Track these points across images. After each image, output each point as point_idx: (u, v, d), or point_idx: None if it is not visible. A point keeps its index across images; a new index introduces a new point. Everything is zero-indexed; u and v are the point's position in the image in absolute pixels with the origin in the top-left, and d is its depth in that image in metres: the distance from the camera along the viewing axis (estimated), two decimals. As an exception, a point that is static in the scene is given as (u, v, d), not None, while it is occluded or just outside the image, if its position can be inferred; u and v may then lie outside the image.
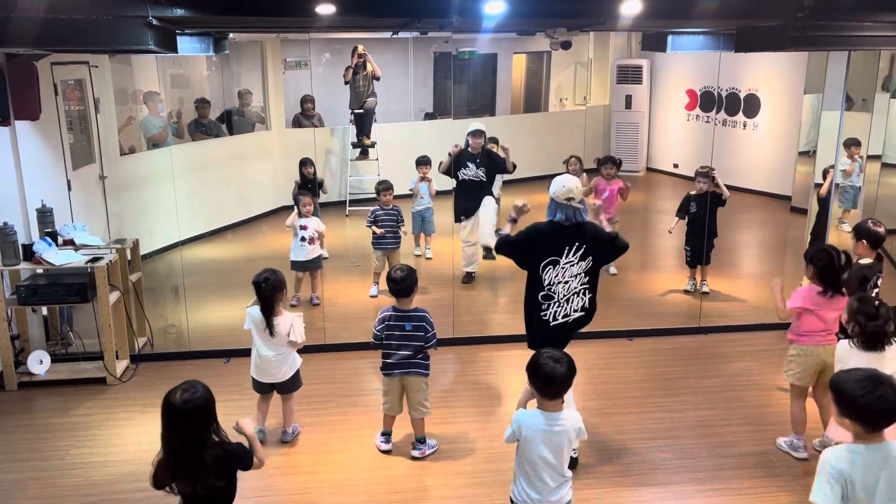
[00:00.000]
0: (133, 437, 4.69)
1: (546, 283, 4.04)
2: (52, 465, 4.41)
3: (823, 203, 6.45)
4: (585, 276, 4.07)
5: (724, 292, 7.09)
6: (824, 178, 6.45)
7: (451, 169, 7.22)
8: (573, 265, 4.03)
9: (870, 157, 6.27)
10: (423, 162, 7.76)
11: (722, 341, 6.11)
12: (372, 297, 7.01)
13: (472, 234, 7.37)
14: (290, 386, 4.55)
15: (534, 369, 3.07)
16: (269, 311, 4.35)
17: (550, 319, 4.08)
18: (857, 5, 4.88)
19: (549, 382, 3.03)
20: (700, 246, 6.85)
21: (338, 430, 4.74)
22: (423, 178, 7.69)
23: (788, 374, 4.43)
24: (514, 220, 4.23)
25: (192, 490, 2.85)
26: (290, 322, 4.40)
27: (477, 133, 7.19)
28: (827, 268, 4.28)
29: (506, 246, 4.09)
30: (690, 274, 7.06)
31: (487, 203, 7.32)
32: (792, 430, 4.45)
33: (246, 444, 3.05)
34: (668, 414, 4.90)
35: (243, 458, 2.98)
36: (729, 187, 6.76)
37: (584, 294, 4.10)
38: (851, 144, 6.35)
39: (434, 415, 4.58)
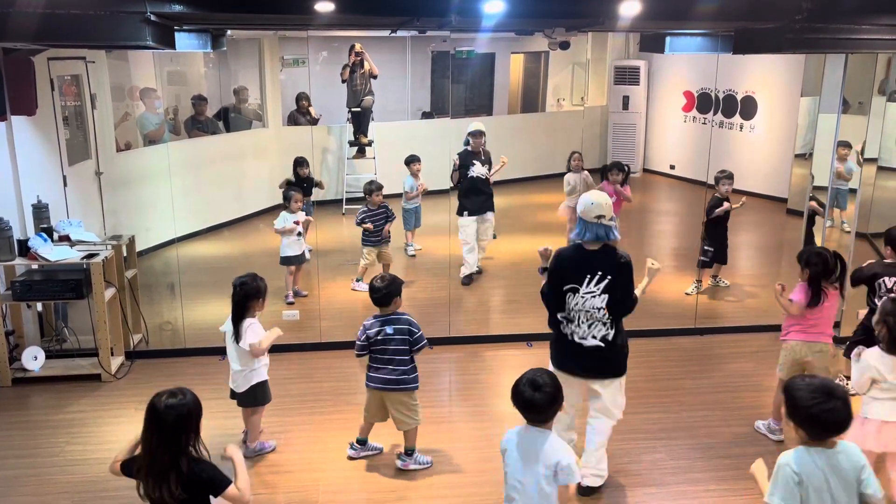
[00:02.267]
0: (128, 433, 4.59)
1: (567, 308, 3.84)
2: (46, 461, 4.40)
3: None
4: (608, 309, 3.78)
5: (720, 294, 7.11)
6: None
7: (459, 172, 7.33)
8: (594, 296, 3.76)
9: (866, 161, 6.29)
10: (413, 160, 7.85)
11: (718, 342, 6.12)
12: (353, 290, 7.05)
13: (478, 240, 7.41)
14: (246, 399, 4.32)
15: (514, 392, 2.98)
16: (237, 317, 4.20)
17: (570, 336, 3.87)
18: (855, 8, 4.89)
19: (527, 408, 2.96)
20: (721, 247, 6.93)
21: (333, 429, 4.73)
22: (415, 175, 7.76)
23: (780, 370, 4.60)
24: (544, 270, 4.00)
25: (158, 497, 2.76)
26: (248, 327, 4.19)
27: (477, 133, 7.28)
28: (822, 273, 4.31)
29: (546, 297, 3.93)
30: (698, 275, 7.06)
31: (490, 230, 7.49)
32: (772, 415, 4.63)
33: (232, 469, 2.93)
34: (663, 414, 4.90)
35: (213, 482, 2.81)
36: (726, 188, 6.79)
37: (608, 326, 3.81)
38: (840, 146, 6.38)
39: (431, 414, 4.58)
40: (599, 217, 3.75)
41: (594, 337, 3.82)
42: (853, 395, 3.30)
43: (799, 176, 9.06)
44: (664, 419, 4.84)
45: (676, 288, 7.20)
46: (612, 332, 3.83)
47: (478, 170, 7.27)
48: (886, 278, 4.74)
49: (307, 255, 6.89)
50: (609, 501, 4.03)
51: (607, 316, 3.79)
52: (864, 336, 4.68)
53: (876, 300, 4.80)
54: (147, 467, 2.77)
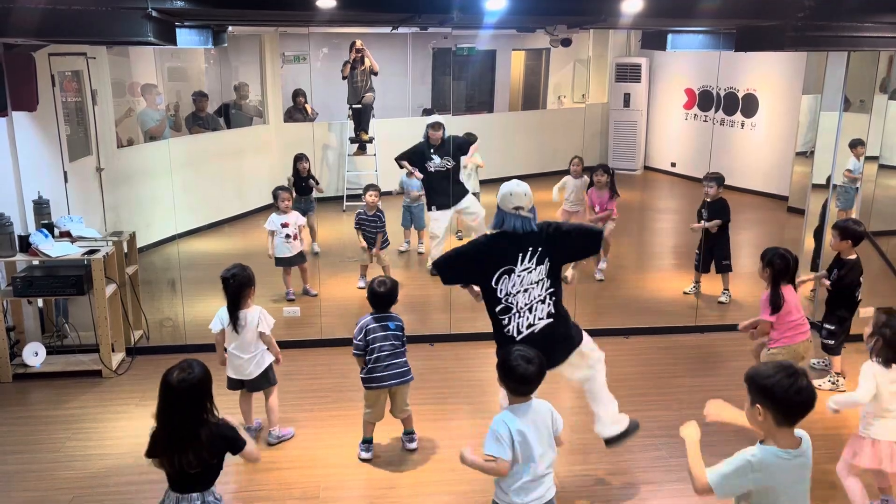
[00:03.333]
0: (128, 429, 4.68)
1: (502, 294, 3.66)
2: (47, 457, 4.41)
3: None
4: (548, 280, 3.67)
5: (720, 292, 7.11)
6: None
7: (415, 164, 7.31)
8: (530, 272, 3.64)
9: (867, 159, 6.29)
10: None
11: (718, 340, 6.12)
12: (360, 288, 7.03)
13: (446, 236, 7.38)
14: (261, 382, 4.45)
15: (506, 370, 3.04)
16: (234, 308, 4.29)
17: (514, 333, 3.68)
18: (857, 6, 4.88)
19: (522, 382, 3.02)
20: (711, 252, 6.77)
21: (333, 425, 4.74)
22: (409, 174, 7.73)
23: None
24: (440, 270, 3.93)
25: (178, 468, 2.90)
26: (258, 313, 4.33)
27: (436, 125, 7.26)
28: (783, 272, 4.41)
29: (443, 264, 3.82)
30: (695, 277, 7.01)
31: (478, 210, 7.40)
32: None
33: (241, 431, 3.10)
34: (663, 412, 4.90)
35: (234, 441, 3.02)
36: (726, 187, 6.76)
37: (548, 299, 3.69)
38: (858, 144, 6.37)
39: (429, 411, 4.59)
40: (518, 208, 3.66)
41: (540, 318, 3.68)
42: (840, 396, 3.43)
43: (800, 174, 9.06)
44: (665, 417, 4.85)
45: (677, 286, 7.20)
46: (552, 305, 3.69)
47: (436, 163, 7.24)
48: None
49: (305, 257, 6.84)
50: (610, 498, 4.04)
51: (549, 287, 3.67)
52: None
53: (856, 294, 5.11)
54: (167, 440, 2.90)
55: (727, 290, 6.88)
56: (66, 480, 4.18)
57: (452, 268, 3.84)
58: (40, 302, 5.69)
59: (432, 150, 7.26)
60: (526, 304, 3.68)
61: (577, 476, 4.18)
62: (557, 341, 3.77)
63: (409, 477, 4.22)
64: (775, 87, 10.66)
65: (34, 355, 5.44)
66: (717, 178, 6.72)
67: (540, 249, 3.66)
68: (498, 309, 3.71)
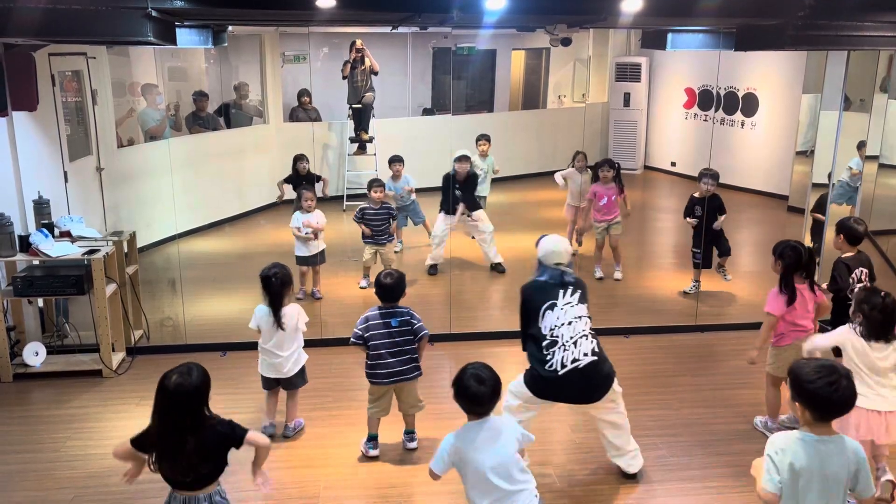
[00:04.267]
0: (129, 429, 4.61)
1: (547, 329, 3.79)
2: (47, 456, 4.41)
3: None
4: (588, 319, 3.89)
5: (720, 290, 7.11)
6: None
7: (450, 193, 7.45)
8: (573, 306, 3.84)
9: (867, 158, 6.29)
10: (394, 160, 7.79)
11: (718, 339, 6.12)
12: (362, 287, 7.04)
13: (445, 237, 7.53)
14: (295, 382, 4.55)
15: (459, 388, 3.05)
16: (278, 306, 4.36)
17: (559, 367, 3.74)
18: (857, 5, 4.89)
19: (473, 402, 3.04)
20: (709, 248, 6.83)
21: (335, 425, 4.74)
22: (394, 177, 7.72)
23: (768, 366, 4.61)
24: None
25: (175, 476, 2.90)
26: (297, 312, 4.45)
27: (463, 158, 7.39)
28: (794, 265, 4.38)
29: (522, 331, 3.97)
30: (694, 276, 6.99)
31: (485, 226, 7.50)
32: (767, 414, 4.66)
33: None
34: (663, 411, 4.91)
35: (233, 433, 2.97)
36: (726, 186, 6.78)
37: (591, 337, 3.84)
38: (864, 146, 6.36)
39: (429, 410, 4.58)
40: (558, 264, 3.94)
41: (585, 354, 3.78)
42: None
43: (800, 173, 9.06)
44: (665, 416, 4.85)
45: (677, 285, 7.20)
46: (595, 343, 3.86)
47: (459, 194, 7.40)
48: (856, 272, 4.86)
49: (324, 257, 6.84)
50: (609, 497, 4.04)
51: (588, 325, 3.86)
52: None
53: (849, 293, 4.96)
54: (162, 443, 2.89)
55: (724, 266, 7.06)
56: (67, 480, 4.18)
57: (524, 326, 3.96)
58: (41, 302, 5.70)
59: (455, 186, 7.41)
60: (571, 338, 3.79)
61: (576, 476, 4.18)
62: (600, 380, 3.85)
63: (410, 476, 4.22)
64: (775, 87, 10.66)
65: (34, 355, 5.44)
66: (715, 175, 6.74)
67: (580, 291, 3.91)
68: (544, 345, 3.80)
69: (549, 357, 3.78)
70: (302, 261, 6.72)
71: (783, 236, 6.99)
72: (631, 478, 4.13)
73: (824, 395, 2.57)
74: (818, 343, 4.03)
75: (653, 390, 5.22)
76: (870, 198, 6.20)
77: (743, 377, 5.42)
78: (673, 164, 12.03)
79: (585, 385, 3.79)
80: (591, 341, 3.84)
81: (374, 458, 4.36)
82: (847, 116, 6.16)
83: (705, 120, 11.59)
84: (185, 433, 2.85)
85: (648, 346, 5.98)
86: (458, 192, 7.38)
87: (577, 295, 3.88)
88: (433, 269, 7.53)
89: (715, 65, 9.94)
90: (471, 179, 7.52)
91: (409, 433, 4.47)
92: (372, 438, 4.39)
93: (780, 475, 2.61)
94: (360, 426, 4.50)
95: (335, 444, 4.52)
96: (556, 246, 3.97)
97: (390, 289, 4.26)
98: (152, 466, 2.94)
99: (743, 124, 11.12)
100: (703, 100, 11.63)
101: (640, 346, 6.00)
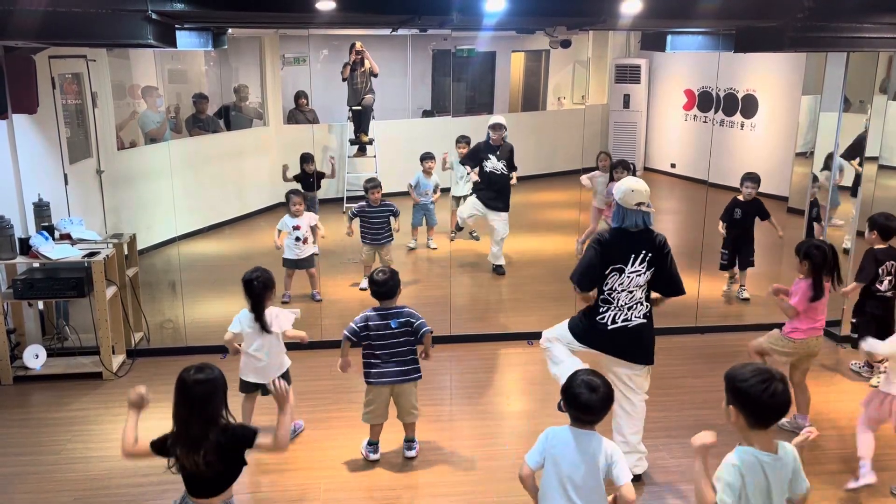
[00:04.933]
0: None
1: (607, 287, 3.86)
2: (47, 459, 4.41)
3: None
4: (648, 287, 3.92)
5: (722, 292, 7.11)
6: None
7: (473, 160, 7.46)
8: (639, 275, 3.84)
9: (867, 159, 6.28)
10: (427, 157, 7.91)
11: (719, 341, 6.12)
12: (362, 289, 7.04)
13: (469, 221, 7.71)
14: None
15: (569, 395, 2.94)
16: (260, 309, 4.32)
17: (609, 322, 3.89)
18: (856, 7, 4.89)
19: (583, 410, 2.93)
20: (738, 251, 6.89)
21: (335, 427, 4.74)
22: (426, 173, 7.78)
23: (767, 343, 4.66)
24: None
25: (193, 466, 2.87)
26: (275, 314, 4.39)
27: (497, 126, 7.39)
28: (822, 265, 4.39)
29: (585, 278, 3.89)
30: (730, 275, 7.09)
31: (503, 229, 7.54)
32: (797, 411, 4.67)
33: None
34: (665, 413, 4.90)
35: (245, 435, 2.96)
36: (725, 187, 6.79)
37: (646, 303, 3.94)
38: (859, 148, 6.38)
39: (430, 413, 4.58)
40: (639, 204, 3.82)
41: (637, 317, 3.91)
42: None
43: (799, 174, 9.05)
44: (666, 418, 4.85)
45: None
46: (648, 308, 3.95)
47: (491, 164, 7.33)
48: (887, 263, 5.06)
49: (314, 261, 6.82)
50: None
51: (645, 293, 3.91)
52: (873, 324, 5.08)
53: (878, 285, 5.18)
54: (181, 439, 2.87)
55: (744, 286, 7.06)
56: (67, 482, 4.18)
57: (590, 278, 3.90)
58: (41, 304, 5.69)
59: (489, 151, 7.41)
60: (626, 304, 3.89)
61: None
62: (644, 342, 3.98)
63: (411, 479, 4.22)
64: (775, 88, 10.66)
65: (35, 358, 5.44)
66: (756, 178, 6.80)
67: (651, 256, 3.85)
68: (600, 299, 3.90)
69: (602, 309, 3.90)
70: (290, 264, 6.73)
71: (783, 238, 7.01)
72: (634, 480, 4.12)
73: (755, 395, 2.51)
74: (881, 349, 4.07)
75: (653, 392, 5.18)
76: (869, 199, 6.19)
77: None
78: (673, 165, 12.03)
79: (629, 343, 3.92)
80: (646, 306, 3.93)
81: (375, 462, 4.34)
82: (847, 118, 6.15)
83: (705, 121, 11.59)
84: (207, 429, 2.86)
85: (649, 348, 5.97)
86: (497, 160, 7.38)
87: (647, 262, 3.83)
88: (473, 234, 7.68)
89: (714, 66, 9.92)
90: (511, 154, 7.50)
91: (409, 441, 4.42)
92: (371, 444, 4.38)
93: (733, 492, 2.54)
94: (360, 428, 4.49)
95: (335, 446, 4.51)
96: (635, 186, 3.84)
97: (383, 285, 4.20)
98: (173, 469, 2.91)
99: (742, 126, 11.11)
100: (703, 101, 11.62)
101: (641, 348, 5.99)
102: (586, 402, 2.91)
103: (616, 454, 2.98)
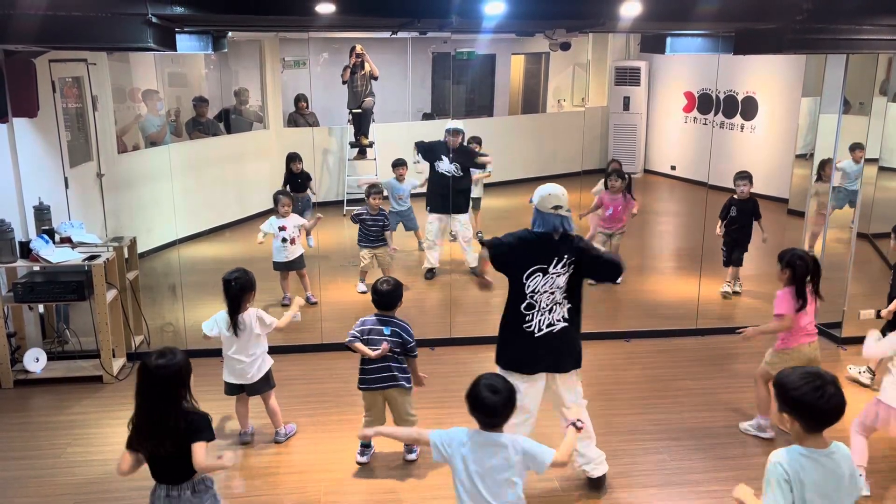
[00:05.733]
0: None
1: (529, 290, 3.73)
2: (48, 463, 4.40)
3: None
4: (567, 286, 3.79)
5: (720, 294, 7.11)
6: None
7: (427, 155, 7.37)
8: (560, 276, 3.74)
9: (867, 161, 6.29)
10: (398, 164, 7.75)
11: (719, 343, 6.12)
12: (361, 293, 7.03)
13: (438, 240, 7.50)
14: (259, 387, 4.48)
15: (473, 398, 2.94)
16: (235, 311, 4.32)
17: (535, 330, 3.77)
18: (855, 9, 4.89)
19: (487, 413, 2.93)
20: (736, 249, 6.96)
21: (335, 430, 4.73)
22: (399, 179, 7.70)
23: (765, 365, 4.62)
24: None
25: (154, 449, 2.92)
26: (255, 315, 4.37)
27: (455, 132, 7.28)
28: (805, 274, 4.42)
29: (500, 243, 3.78)
30: (732, 273, 7.13)
31: (465, 231, 7.44)
32: (758, 413, 4.66)
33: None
34: (664, 415, 4.90)
35: (195, 430, 2.95)
36: (726, 189, 6.80)
37: (566, 304, 3.80)
38: (857, 148, 6.37)
39: (430, 415, 4.57)
40: (556, 207, 3.71)
41: (559, 320, 3.78)
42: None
43: (799, 176, 9.05)
44: (666, 420, 4.84)
45: (678, 289, 7.20)
46: (569, 312, 3.80)
47: (444, 166, 7.27)
48: None
49: (303, 262, 6.80)
50: (610, 502, 4.03)
51: (564, 294, 3.77)
52: None
53: None
54: (142, 423, 2.92)
55: (738, 279, 7.13)
56: (68, 486, 4.17)
57: (509, 247, 3.77)
58: (41, 308, 5.70)
59: (442, 152, 7.31)
60: (547, 306, 3.76)
61: (576, 479, 4.17)
62: (571, 348, 3.87)
63: (411, 482, 4.21)
64: (775, 90, 10.67)
65: (35, 361, 5.44)
66: (748, 176, 6.85)
67: (572, 260, 3.74)
68: (523, 305, 3.76)
69: (528, 318, 3.77)
70: (281, 266, 6.73)
71: (783, 240, 7.01)
72: (597, 484, 4.08)
73: (809, 401, 2.47)
74: (874, 352, 4.12)
75: (653, 394, 5.22)
76: (869, 201, 6.19)
77: (743, 381, 5.41)
78: (673, 167, 12.02)
79: (557, 350, 3.78)
80: (566, 308, 3.79)
81: (364, 465, 4.34)
82: (846, 119, 6.15)
83: (705, 123, 11.59)
84: (169, 413, 2.89)
85: (649, 350, 5.98)
86: (450, 162, 7.28)
87: (567, 265, 3.73)
88: (430, 274, 7.51)
89: (714, 68, 9.92)
90: (465, 156, 7.36)
91: (408, 444, 4.43)
92: (363, 445, 4.39)
93: (784, 495, 2.48)
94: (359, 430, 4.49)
95: (335, 449, 4.51)
96: (552, 189, 3.74)
97: (385, 295, 4.23)
98: (137, 452, 2.97)
99: (742, 128, 11.12)
100: (703, 103, 11.63)
101: (641, 350, 6.00)
102: (491, 404, 2.91)
103: (524, 443, 2.97)
